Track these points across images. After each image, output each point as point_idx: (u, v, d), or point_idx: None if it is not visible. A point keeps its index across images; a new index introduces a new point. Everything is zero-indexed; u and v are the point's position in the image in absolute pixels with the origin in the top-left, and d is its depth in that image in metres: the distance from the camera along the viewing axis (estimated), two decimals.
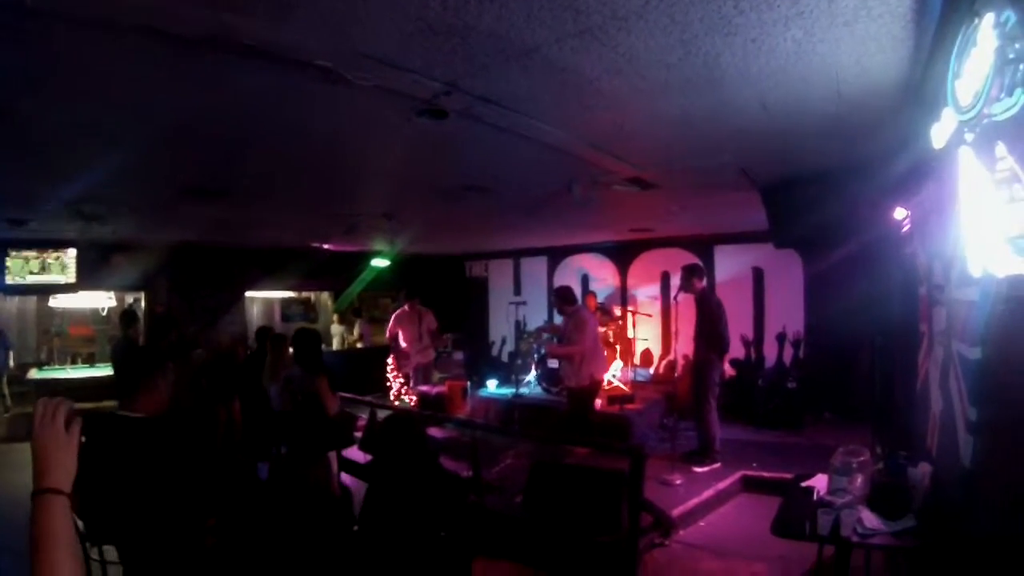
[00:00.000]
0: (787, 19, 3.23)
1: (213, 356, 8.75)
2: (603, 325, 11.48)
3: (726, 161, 6.46)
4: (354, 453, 8.20)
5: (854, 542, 4.57)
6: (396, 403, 11.91)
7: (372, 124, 5.06)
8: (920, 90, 4.13)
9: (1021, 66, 2.10)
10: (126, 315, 10.67)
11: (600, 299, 13.79)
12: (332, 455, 6.38)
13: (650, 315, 14.05)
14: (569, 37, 3.48)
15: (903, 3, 3.04)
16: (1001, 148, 2.73)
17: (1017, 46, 2.11)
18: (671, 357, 12.32)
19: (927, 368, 5.54)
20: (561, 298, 9.65)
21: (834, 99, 4.47)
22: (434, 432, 9.06)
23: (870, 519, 4.78)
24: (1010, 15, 2.15)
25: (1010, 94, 2.21)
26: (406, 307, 12.08)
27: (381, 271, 14.07)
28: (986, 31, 2.26)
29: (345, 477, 6.51)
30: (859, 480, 5.19)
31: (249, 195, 7.87)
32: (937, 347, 5.00)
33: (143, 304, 13.56)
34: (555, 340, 10.35)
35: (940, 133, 3.57)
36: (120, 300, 14.47)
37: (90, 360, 14.20)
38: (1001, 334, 3.09)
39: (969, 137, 2.99)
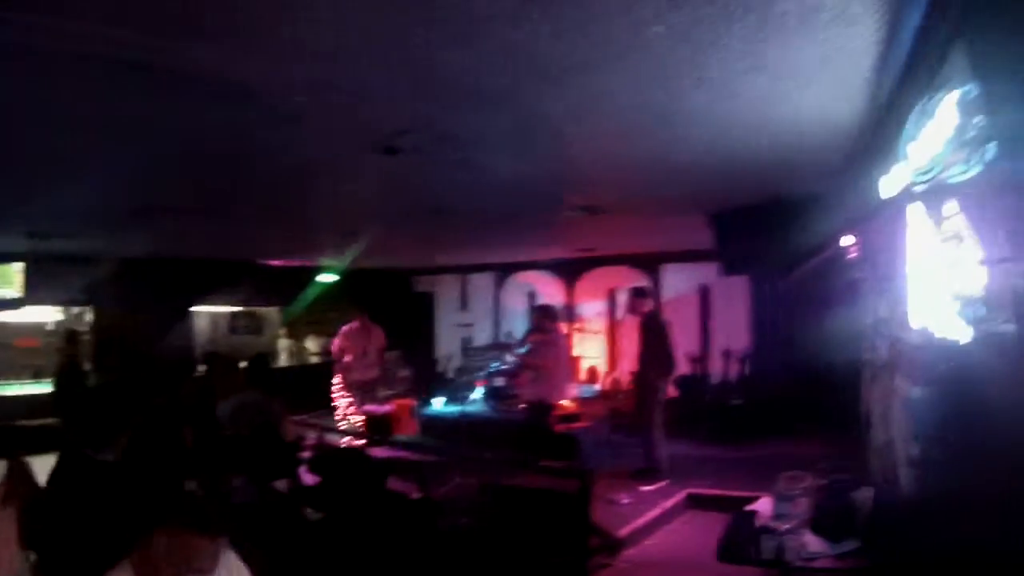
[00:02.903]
0: (751, 70, 3.34)
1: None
2: None
3: (678, 190, 6.58)
4: (302, 474, 8.14)
5: (797, 566, 4.69)
6: (343, 424, 11.78)
7: (324, 157, 5.08)
8: (874, 138, 4.28)
9: (978, 151, 2.21)
10: (70, 336, 10.55)
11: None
12: (284, 483, 6.32)
13: (597, 332, 14.16)
14: (528, 83, 3.55)
15: (866, 59, 3.16)
16: (950, 206, 2.86)
17: (976, 120, 2.22)
18: (616, 374, 12.44)
19: (871, 396, 5.71)
20: (545, 315, 9.77)
21: (792, 139, 4.61)
22: (381, 452, 9.01)
23: (814, 542, 4.91)
24: (972, 87, 2.26)
25: (968, 168, 2.32)
26: (356, 322, 11.95)
27: (328, 286, 13.97)
28: (948, 106, 2.36)
29: None
30: (803, 504, 5.32)
31: (199, 212, 7.77)
32: (881, 378, 5.17)
33: (91, 317, 13.25)
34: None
35: (890, 184, 3.71)
36: (68, 314, 14.11)
37: (37, 374, 13.78)
38: (941, 384, 3.23)
39: (919, 188, 3.11)
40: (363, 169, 5.40)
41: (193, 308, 14.73)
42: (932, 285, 3.19)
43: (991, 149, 2.19)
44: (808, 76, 3.42)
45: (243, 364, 8.20)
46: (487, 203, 7.22)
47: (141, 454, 4.10)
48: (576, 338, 14.00)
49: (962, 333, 2.73)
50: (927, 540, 3.74)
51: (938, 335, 3.06)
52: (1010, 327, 2.24)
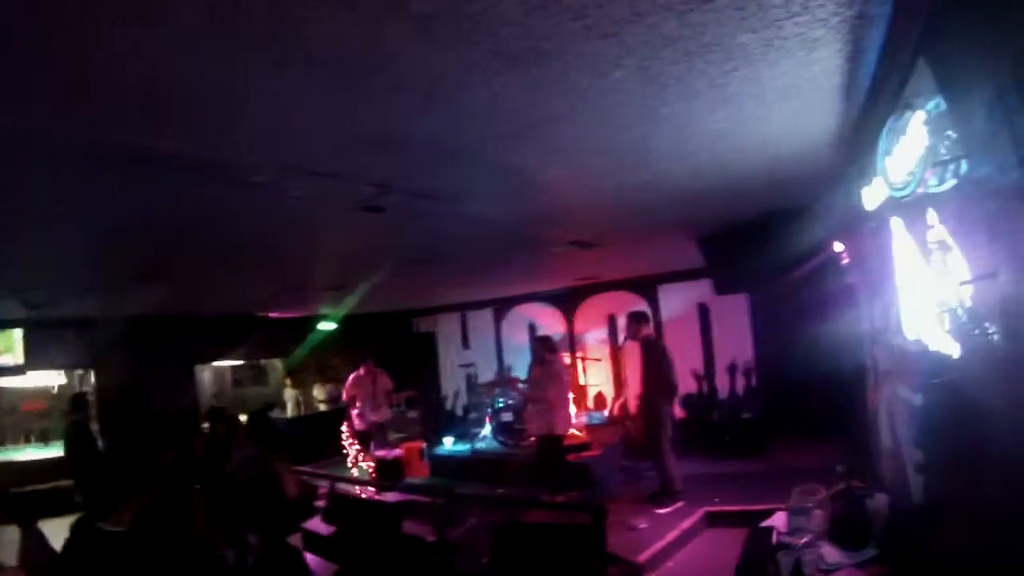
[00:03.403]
0: (713, 106, 3.35)
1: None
2: None
3: (663, 219, 6.59)
4: (317, 525, 8.12)
5: None
6: (354, 470, 11.75)
7: (309, 220, 5.09)
8: (851, 150, 4.29)
9: (951, 166, 2.22)
10: (76, 400, 10.58)
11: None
12: (296, 537, 6.28)
13: (599, 359, 14.12)
14: (500, 138, 3.57)
15: (831, 80, 3.17)
16: (932, 215, 2.87)
17: (948, 133, 2.24)
18: (623, 399, 12.39)
19: (876, 400, 5.70)
20: (544, 347, 9.76)
21: (767, 161, 4.62)
22: (393, 497, 8.99)
23: (832, 553, 4.88)
24: (940, 101, 2.28)
25: (943, 182, 2.33)
26: (361, 370, 12.00)
27: (329, 333, 14.00)
28: (916, 126, 2.38)
29: (309, 558, 6.40)
30: (817, 516, 5.29)
31: (195, 277, 7.81)
32: (884, 385, 5.16)
33: (93, 380, 13.26)
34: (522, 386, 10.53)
35: (872, 196, 3.72)
36: (71, 377, 14.15)
37: (44, 437, 13.81)
38: (939, 394, 3.24)
39: (899, 201, 3.11)
40: (349, 227, 5.42)
41: (196, 364, 14.75)
42: (920, 295, 3.20)
43: (964, 164, 2.21)
44: (776, 101, 3.42)
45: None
46: (475, 248, 7.24)
47: (151, 523, 4.14)
48: (580, 366, 13.97)
49: (952, 345, 2.73)
50: (941, 546, 3.74)
51: (932, 346, 3.07)
52: (999, 338, 2.24)
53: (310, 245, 6.43)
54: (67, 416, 10.61)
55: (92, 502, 6.13)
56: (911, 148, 2.45)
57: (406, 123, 3.20)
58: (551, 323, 15.09)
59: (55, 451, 12.03)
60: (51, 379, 14.02)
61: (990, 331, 2.33)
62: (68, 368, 13.73)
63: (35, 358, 12.19)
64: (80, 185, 3.99)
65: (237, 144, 3.26)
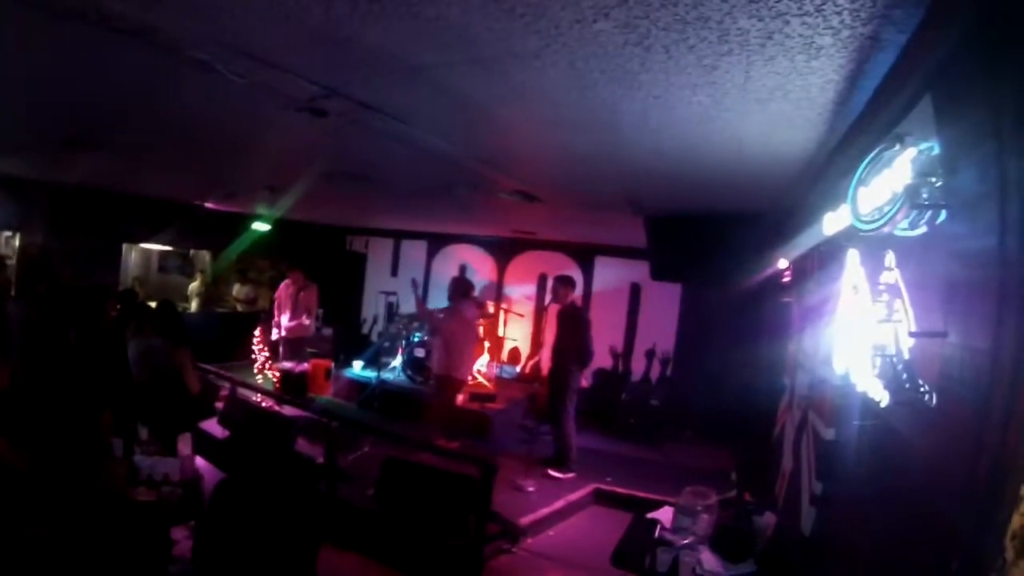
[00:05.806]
0: (696, 86, 3.15)
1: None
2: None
3: (614, 190, 6.46)
4: (213, 427, 7.96)
5: None
6: (259, 378, 11.51)
7: (248, 111, 4.79)
8: (821, 172, 4.19)
9: (928, 214, 2.12)
10: None
11: (476, 292, 13.72)
12: (187, 437, 6.06)
13: (522, 315, 14.08)
14: (458, 64, 3.30)
15: (824, 94, 3.02)
16: (891, 257, 2.79)
17: (932, 180, 2.13)
18: (538, 358, 12.41)
19: (785, 421, 5.73)
20: (459, 287, 9.76)
21: (734, 159, 4.48)
22: (291, 412, 8.85)
23: (710, 560, 4.89)
24: (935, 144, 2.17)
25: (914, 228, 2.23)
26: (290, 280, 11.71)
27: (261, 234, 13.61)
28: (903, 163, 2.26)
29: (199, 462, 6.21)
30: (704, 520, 5.30)
31: (127, 151, 7.42)
32: (796, 408, 5.16)
33: (16, 242, 12.70)
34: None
35: (833, 223, 3.64)
36: None
37: None
38: (854, 436, 3.21)
39: (861, 234, 3.02)
40: (288, 127, 5.12)
41: (124, 242, 14.28)
42: (858, 333, 3.14)
43: (942, 214, 2.11)
44: (760, 101, 3.25)
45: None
46: (416, 175, 6.99)
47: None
48: (502, 317, 13.93)
49: (881, 392, 2.67)
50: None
51: (859, 387, 3.01)
52: (932, 399, 2.17)
53: (246, 139, 6.07)
54: None
55: None
56: (890, 184, 2.33)
57: (363, 26, 2.91)
58: (483, 268, 15.04)
59: None
60: None
61: (924, 389, 2.26)
62: None
63: None
64: (18, 43, 3.67)
65: (173, 10, 2.96)
